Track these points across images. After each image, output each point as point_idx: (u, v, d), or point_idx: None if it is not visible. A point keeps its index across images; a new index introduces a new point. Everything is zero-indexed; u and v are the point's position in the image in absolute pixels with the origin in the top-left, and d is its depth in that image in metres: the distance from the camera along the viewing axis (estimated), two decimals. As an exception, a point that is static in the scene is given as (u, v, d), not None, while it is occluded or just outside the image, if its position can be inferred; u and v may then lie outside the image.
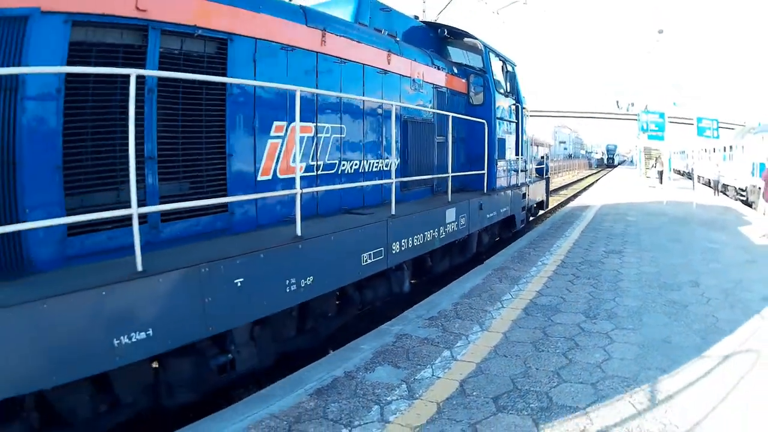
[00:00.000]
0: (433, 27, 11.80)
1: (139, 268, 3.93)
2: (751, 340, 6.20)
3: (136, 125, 3.98)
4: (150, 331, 3.94)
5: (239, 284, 4.66)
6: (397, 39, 9.21)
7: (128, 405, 4.44)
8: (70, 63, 4.07)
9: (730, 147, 31.56)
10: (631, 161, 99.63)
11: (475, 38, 11.56)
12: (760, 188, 18.61)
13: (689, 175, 51.28)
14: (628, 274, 9.69)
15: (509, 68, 12.83)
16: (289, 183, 5.93)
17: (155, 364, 4.62)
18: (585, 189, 38.19)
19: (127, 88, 3.90)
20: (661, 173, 34.43)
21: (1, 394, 3.24)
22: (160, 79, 4.72)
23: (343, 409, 4.49)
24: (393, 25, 9.55)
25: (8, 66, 3.80)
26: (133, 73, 3.92)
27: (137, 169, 3.99)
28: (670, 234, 14.39)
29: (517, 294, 8.28)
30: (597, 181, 48.26)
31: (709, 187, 29.98)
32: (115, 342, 3.73)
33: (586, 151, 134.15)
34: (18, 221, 3.78)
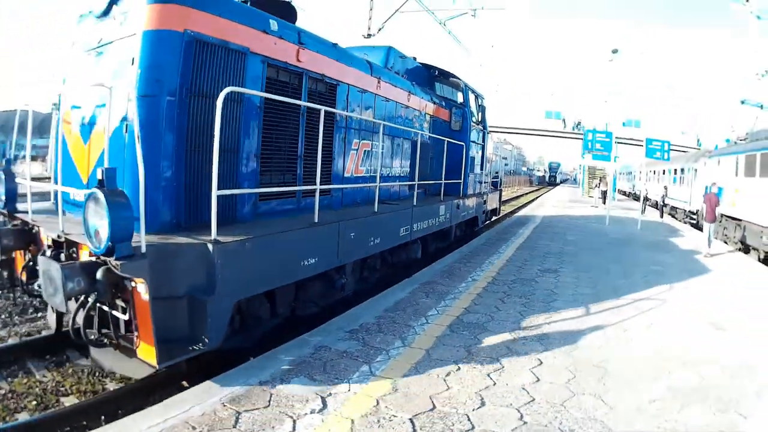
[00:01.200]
0: (427, 67, 15.60)
1: (316, 219, 7.22)
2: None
3: (295, 134, 7.86)
4: (315, 258, 7.22)
5: (352, 236, 8.21)
6: (413, 83, 12.98)
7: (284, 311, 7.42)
8: (267, 90, 7.04)
9: (681, 170, 32.73)
10: (575, 180, 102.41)
11: (458, 78, 15.91)
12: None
13: (635, 196, 53.07)
14: (563, 294, 9.79)
15: (480, 102, 17.39)
16: (357, 180, 9.96)
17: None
18: (523, 206, 38.82)
19: (294, 109, 7.68)
20: (604, 193, 35.35)
21: (251, 292, 6.14)
22: (308, 107, 7.76)
23: (255, 421, 4.53)
24: (405, 66, 13.44)
25: (235, 83, 6.48)
26: (302, 103, 7.63)
27: (292, 162, 7.90)
28: (611, 255, 14.76)
29: (444, 310, 8.23)
30: (536, 198, 49.24)
31: (655, 208, 30.95)
32: (303, 262, 6.98)
33: (528, 168, 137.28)
34: (237, 188, 6.63)
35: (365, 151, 10.19)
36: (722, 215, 21.45)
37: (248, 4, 7.31)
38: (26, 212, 6.83)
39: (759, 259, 17.10)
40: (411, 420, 4.65)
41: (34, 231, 6.74)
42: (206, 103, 6.05)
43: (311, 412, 4.71)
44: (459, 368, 5.87)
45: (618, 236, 19.48)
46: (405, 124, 12.10)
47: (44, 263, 5.31)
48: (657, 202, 31.37)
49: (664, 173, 38.23)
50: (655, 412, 5.06)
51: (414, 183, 11.42)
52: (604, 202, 33.59)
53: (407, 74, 13.30)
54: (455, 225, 14.94)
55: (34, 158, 43.71)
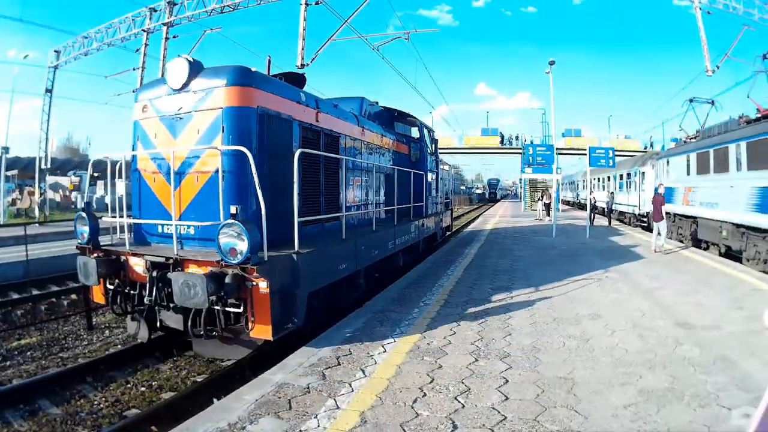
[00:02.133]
0: (388, 110, 18.31)
1: (343, 237, 10.43)
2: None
3: (317, 176, 10.66)
4: (345, 264, 10.27)
5: (363, 248, 11.44)
6: (382, 125, 16.18)
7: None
8: (302, 146, 9.63)
9: (628, 174, 33.66)
10: (515, 194, 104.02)
11: (414, 117, 19.39)
12: (666, 213, 20.47)
13: (579, 205, 54.27)
14: (518, 314, 10.06)
15: (432, 135, 21.56)
16: (353, 208, 12.93)
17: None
18: (466, 225, 39.30)
19: (316, 158, 10.44)
20: (548, 205, 36.09)
21: (316, 286, 9.00)
22: (326, 156, 10.83)
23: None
24: (372, 111, 16.59)
25: (287, 142, 9.41)
26: (341, 157, 11.63)
27: (317, 196, 10.68)
28: (563, 268, 15.27)
29: (400, 337, 8.37)
30: (477, 217, 49.78)
31: (603, 215, 31.73)
32: (339, 266, 10.01)
33: (467, 187, 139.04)
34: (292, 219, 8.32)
35: (357, 185, 13.40)
36: (675, 215, 22.20)
37: (282, 78, 10.81)
38: (110, 245, 9.43)
39: (720, 254, 17.77)
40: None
41: (121, 260, 8.86)
42: (270, 156, 8.82)
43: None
44: (425, 394, 5.97)
45: (567, 247, 20.10)
46: (380, 161, 15.21)
47: (180, 276, 7.47)
48: (604, 209, 32.16)
49: (609, 179, 39.24)
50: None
51: (393, 208, 14.77)
52: (548, 215, 34.32)
53: (374, 117, 16.46)
54: (421, 240, 18.50)
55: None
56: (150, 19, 31.91)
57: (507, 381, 6.35)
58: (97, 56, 36.21)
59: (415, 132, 19.33)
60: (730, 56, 28.52)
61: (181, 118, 8.78)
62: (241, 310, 7.59)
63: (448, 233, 27.75)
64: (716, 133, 19.75)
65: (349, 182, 12.53)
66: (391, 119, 18.29)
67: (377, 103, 17.48)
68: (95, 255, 8.97)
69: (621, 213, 35.20)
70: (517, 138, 78.20)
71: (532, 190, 54.32)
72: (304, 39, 24.91)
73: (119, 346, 11.06)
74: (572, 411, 5.43)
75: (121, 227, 9.57)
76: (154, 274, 8.08)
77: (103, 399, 8.36)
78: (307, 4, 24.94)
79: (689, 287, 11.99)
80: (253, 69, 8.97)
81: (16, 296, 15.28)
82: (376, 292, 12.45)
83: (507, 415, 5.38)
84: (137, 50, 32.76)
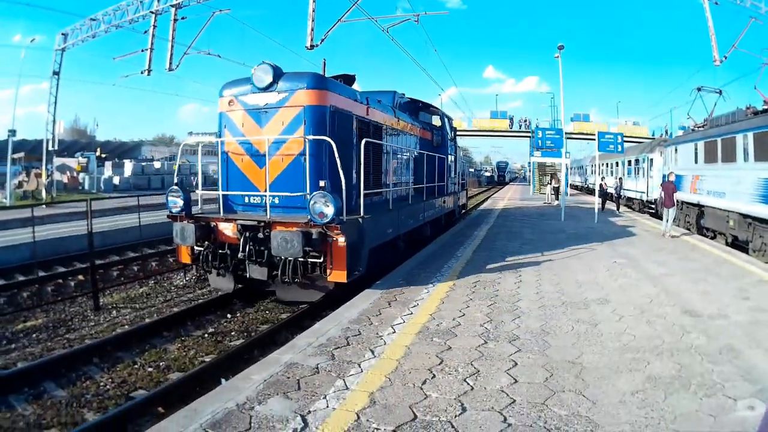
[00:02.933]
0: (414, 101, 20.35)
1: (390, 207, 13.44)
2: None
3: (368, 160, 12.86)
4: (391, 229, 13.28)
5: (402, 218, 14.25)
6: (412, 115, 18.64)
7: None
8: (357, 135, 12.11)
9: (636, 160, 33.40)
10: (524, 178, 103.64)
11: (436, 107, 22.73)
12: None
13: (588, 190, 54.07)
14: (527, 294, 10.04)
15: (451, 123, 23.63)
16: (393, 185, 15.08)
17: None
18: (476, 206, 39.30)
19: (370, 144, 12.41)
20: (556, 189, 35.96)
21: (374, 244, 11.69)
22: (374, 143, 13.21)
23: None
24: (401, 102, 18.46)
25: (349, 133, 11.94)
26: (392, 145, 15.57)
27: (368, 175, 12.81)
28: (571, 251, 15.17)
29: (409, 318, 8.34)
30: (486, 200, 49.72)
31: (611, 201, 31.52)
32: (387, 231, 12.93)
33: (476, 169, 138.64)
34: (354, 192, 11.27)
35: (394, 166, 15.59)
36: (683, 202, 22.10)
37: (340, 80, 13.17)
38: (201, 214, 11.79)
39: (726, 243, 17.65)
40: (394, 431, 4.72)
41: (212, 225, 11.24)
42: (338, 143, 10.38)
43: (284, 433, 4.75)
44: (434, 376, 5.95)
45: (575, 231, 20.03)
46: (410, 146, 17.51)
47: (279, 233, 9.92)
48: (612, 194, 31.95)
49: (617, 165, 39.00)
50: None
51: (422, 186, 17.50)
52: (557, 199, 34.17)
53: (403, 108, 18.34)
54: (443, 215, 21.37)
55: None
56: (158, 0, 31.33)
57: (516, 364, 6.32)
58: (104, 38, 36.10)
59: (436, 120, 21.78)
60: (738, 47, 28.29)
61: (266, 112, 11.19)
62: (320, 260, 10.21)
63: (463, 211, 30.92)
64: (724, 123, 19.54)
65: (390, 164, 15.01)
66: (416, 109, 20.64)
67: (404, 94, 19.35)
68: (189, 221, 11.20)
69: (629, 199, 34.99)
70: (526, 122, 77.99)
71: (541, 174, 54.20)
72: (313, 20, 24.80)
73: (126, 327, 11.02)
74: (580, 396, 5.40)
75: (205, 200, 12.73)
76: (247, 234, 10.66)
77: (110, 380, 8.34)
78: (317, -15, 24.76)
79: (696, 275, 11.87)
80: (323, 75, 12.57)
81: (22, 278, 15.08)
82: (409, 256, 14.83)
83: (516, 398, 5.35)
84: (145, 32, 32.14)
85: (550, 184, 38.89)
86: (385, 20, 27.17)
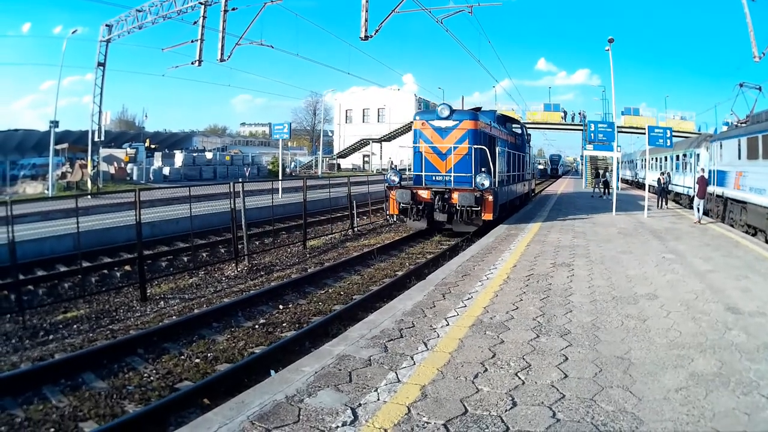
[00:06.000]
0: (503, 115, 29.93)
1: (504, 185, 22.62)
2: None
3: (494, 159, 20.67)
4: (506, 197, 22.98)
5: (509, 190, 24.04)
6: (504, 126, 26.72)
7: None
8: (488, 145, 20.49)
9: (684, 155, 32.53)
10: (576, 171, 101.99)
11: (519, 120, 34.70)
12: (718, 196, 22.84)
13: (637, 184, 52.98)
14: (579, 288, 9.93)
15: (527, 131, 33.38)
16: (500, 173, 21.68)
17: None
18: (537, 194, 39.19)
19: (495, 150, 21.33)
20: (607, 183, 35.44)
21: (502, 201, 21.77)
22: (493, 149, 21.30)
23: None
24: (497, 116, 25.40)
25: (490, 145, 21.10)
26: (509, 150, 26.59)
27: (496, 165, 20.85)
28: (622, 246, 14.95)
29: (463, 311, 8.32)
30: (541, 191, 49.21)
31: (659, 196, 30.68)
32: (504, 197, 22.14)
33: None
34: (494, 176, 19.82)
35: (502, 162, 22.01)
36: (727, 198, 21.60)
37: (477, 110, 21.90)
38: (408, 186, 20.34)
39: (766, 240, 17.15)
40: (444, 425, 4.72)
41: (413, 191, 19.35)
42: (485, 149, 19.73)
43: (343, 425, 4.77)
44: (486, 369, 5.96)
45: (625, 225, 19.79)
46: (506, 148, 24.25)
47: (461, 195, 18.43)
48: (663, 188, 30.95)
49: (666, 159, 38.01)
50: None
51: (514, 174, 25.75)
52: (609, 192, 33.63)
53: (498, 121, 25.49)
54: (522, 195, 30.00)
55: (34, 177, 44.42)
56: None
57: (567, 359, 6.29)
58: (152, 29, 35.08)
59: (517, 128, 30.74)
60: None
61: (446, 130, 19.73)
62: (478, 209, 18.30)
63: (533, 195, 39.37)
64: (765, 119, 18.86)
65: (500, 159, 21.68)
66: (505, 121, 29.19)
67: (495, 111, 27.64)
68: (400, 189, 19.75)
69: (677, 194, 34.07)
70: (581, 114, 76.57)
71: (593, 167, 53.42)
72: (367, 11, 24.63)
73: (173, 317, 10.75)
74: (627, 392, 5.35)
75: (410, 177, 21.18)
76: (436, 197, 19.00)
77: (154, 371, 8.16)
78: (370, -24, 24.59)
79: (738, 272, 11.53)
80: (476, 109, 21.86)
81: (64, 269, 14.67)
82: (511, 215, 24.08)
83: (565, 393, 5.34)
84: (195, 22, 31.36)
85: (603, 177, 38.50)
86: (438, 11, 27.31)
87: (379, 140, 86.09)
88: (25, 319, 10.82)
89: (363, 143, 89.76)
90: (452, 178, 19.38)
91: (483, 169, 18.67)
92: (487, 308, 8.49)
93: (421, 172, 19.98)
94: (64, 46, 37.72)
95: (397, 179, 20.15)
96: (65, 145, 45.30)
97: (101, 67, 37.49)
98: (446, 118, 19.54)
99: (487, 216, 18.48)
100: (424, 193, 19.28)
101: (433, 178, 19.83)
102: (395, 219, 22.13)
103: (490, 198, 18.25)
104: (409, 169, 21.71)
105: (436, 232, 21.15)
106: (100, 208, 23.15)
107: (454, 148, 19.35)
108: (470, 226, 19.21)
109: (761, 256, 13.66)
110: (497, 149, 21.08)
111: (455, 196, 18.67)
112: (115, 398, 7.24)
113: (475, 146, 19.07)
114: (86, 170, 38.75)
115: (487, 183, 18.25)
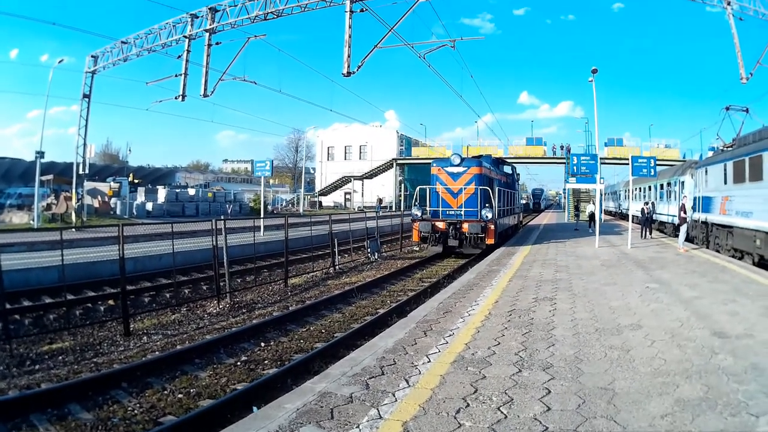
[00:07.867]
0: (496, 158, 35.85)
1: (502, 217, 28.60)
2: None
3: (493, 196, 26.15)
4: (501, 228, 28.48)
5: (502, 222, 29.33)
6: (497, 167, 32.05)
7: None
8: (488, 185, 26.39)
9: (668, 183, 32.77)
10: (559, 204, 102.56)
11: (510, 163, 39.99)
12: (702, 222, 23.72)
13: (622, 215, 53.40)
14: (562, 321, 9.94)
15: (516, 171, 40.26)
16: (497, 206, 26.43)
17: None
18: (522, 226, 39.43)
19: (494, 189, 26.56)
20: (591, 215, 35.79)
21: (499, 230, 28.26)
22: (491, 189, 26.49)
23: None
24: (492, 159, 31.24)
25: (491, 185, 26.65)
26: (518, 191, 41.54)
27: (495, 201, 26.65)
28: (605, 278, 15.04)
29: (444, 348, 8.29)
30: (527, 223, 49.52)
31: (643, 226, 30.75)
32: (501, 227, 28.60)
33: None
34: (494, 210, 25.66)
35: (497, 198, 25.80)
36: (713, 224, 21.80)
37: (480, 156, 29.22)
38: (428, 219, 25.75)
39: (753, 263, 17.28)
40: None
41: (432, 223, 25.07)
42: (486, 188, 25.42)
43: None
44: (468, 405, 5.93)
45: (608, 257, 19.90)
46: (500, 186, 28.17)
47: (470, 225, 24.25)
48: (647, 219, 31.08)
49: (650, 189, 38.29)
50: (667, 429, 5.17)
51: (506, 208, 29.81)
52: (593, 224, 33.93)
53: (493, 163, 30.26)
54: (512, 226, 34.53)
55: (20, 207, 44.40)
56: (191, 25, 31.05)
57: (549, 391, 6.28)
58: (136, 61, 35.66)
59: (508, 169, 36.03)
60: (762, 63, 27.53)
61: (457, 174, 25.02)
62: (483, 235, 23.98)
63: (521, 226, 44.63)
64: (751, 141, 19.16)
65: (497, 196, 25.87)
66: (498, 163, 33.80)
67: (490, 155, 32.28)
68: (422, 221, 25.14)
69: (661, 223, 34.34)
70: (563, 148, 77.21)
71: (576, 200, 53.90)
72: (350, 47, 25.00)
73: (156, 353, 10.95)
74: (611, 421, 5.35)
75: (426, 211, 25.97)
76: (450, 226, 24.60)
77: (138, 405, 8.30)
78: (352, 12, 24.94)
79: (725, 296, 11.72)
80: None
81: (48, 300, 14.99)
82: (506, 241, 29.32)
83: (548, 425, 5.32)
84: (179, 56, 32.06)
85: (584, 211, 39.54)
86: (421, 47, 27.73)
87: (361, 177, 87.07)
88: (12, 347, 11.00)
89: (345, 180, 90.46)
90: (463, 212, 24.86)
91: (486, 205, 24.59)
92: (468, 344, 8.45)
93: (438, 207, 25.61)
94: (51, 76, 37.68)
95: (419, 214, 25.57)
96: (50, 177, 45.66)
97: (86, 99, 37.57)
98: (458, 165, 25.10)
99: (490, 240, 24.10)
100: (441, 224, 24.91)
101: (447, 212, 25.36)
102: (419, 245, 28.68)
103: (492, 227, 24.00)
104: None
105: (447, 255, 25.96)
106: (85, 241, 23.16)
107: (464, 188, 25.03)
108: (476, 248, 24.51)
109: (749, 279, 13.83)
110: (495, 188, 26.11)
111: (466, 225, 24.40)
112: (101, 429, 7.43)
113: (480, 187, 24.76)
114: (71, 203, 38.99)
115: (490, 215, 24.10)
